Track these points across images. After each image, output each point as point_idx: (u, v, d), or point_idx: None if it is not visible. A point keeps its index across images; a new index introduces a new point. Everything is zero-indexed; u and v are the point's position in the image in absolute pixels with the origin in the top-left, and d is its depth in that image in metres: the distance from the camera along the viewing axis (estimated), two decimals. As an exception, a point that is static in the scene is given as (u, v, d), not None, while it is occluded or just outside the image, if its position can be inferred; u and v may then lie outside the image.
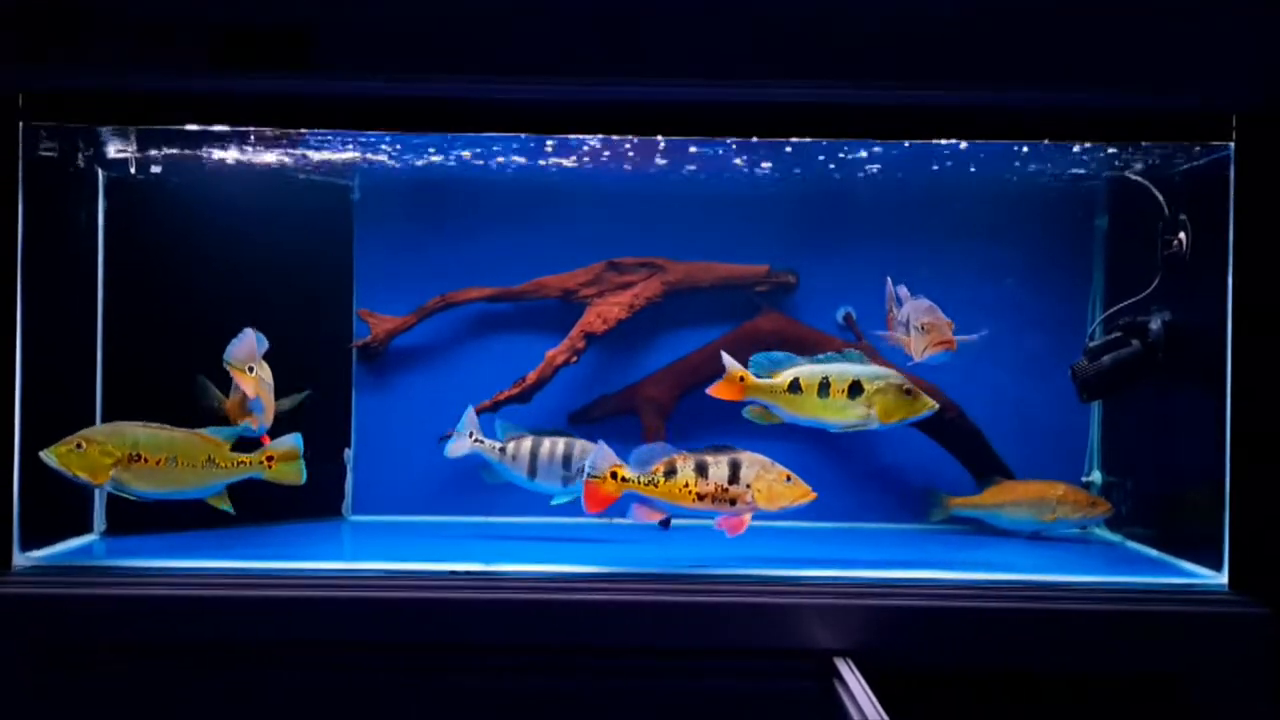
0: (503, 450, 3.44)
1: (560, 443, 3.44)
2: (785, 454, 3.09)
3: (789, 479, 3.01)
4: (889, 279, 3.45)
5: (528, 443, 3.44)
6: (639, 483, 3.01)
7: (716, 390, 3.15)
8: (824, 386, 3.07)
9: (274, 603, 2.82)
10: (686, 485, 3.00)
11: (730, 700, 2.84)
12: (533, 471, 3.43)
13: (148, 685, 2.83)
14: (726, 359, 3.14)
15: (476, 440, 3.45)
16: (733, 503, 2.99)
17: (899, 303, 3.37)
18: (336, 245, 3.90)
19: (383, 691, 2.84)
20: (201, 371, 3.27)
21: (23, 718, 2.82)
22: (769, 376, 3.11)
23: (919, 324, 3.21)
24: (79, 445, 3.01)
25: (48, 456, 2.98)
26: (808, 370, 3.09)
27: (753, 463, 3.02)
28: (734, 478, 2.99)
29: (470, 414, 3.48)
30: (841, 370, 3.08)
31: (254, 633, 2.82)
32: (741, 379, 3.13)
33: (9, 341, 2.93)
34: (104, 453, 3.03)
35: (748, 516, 3.01)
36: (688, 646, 2.83)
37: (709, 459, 3.02)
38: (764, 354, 3.14)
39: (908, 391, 3.06)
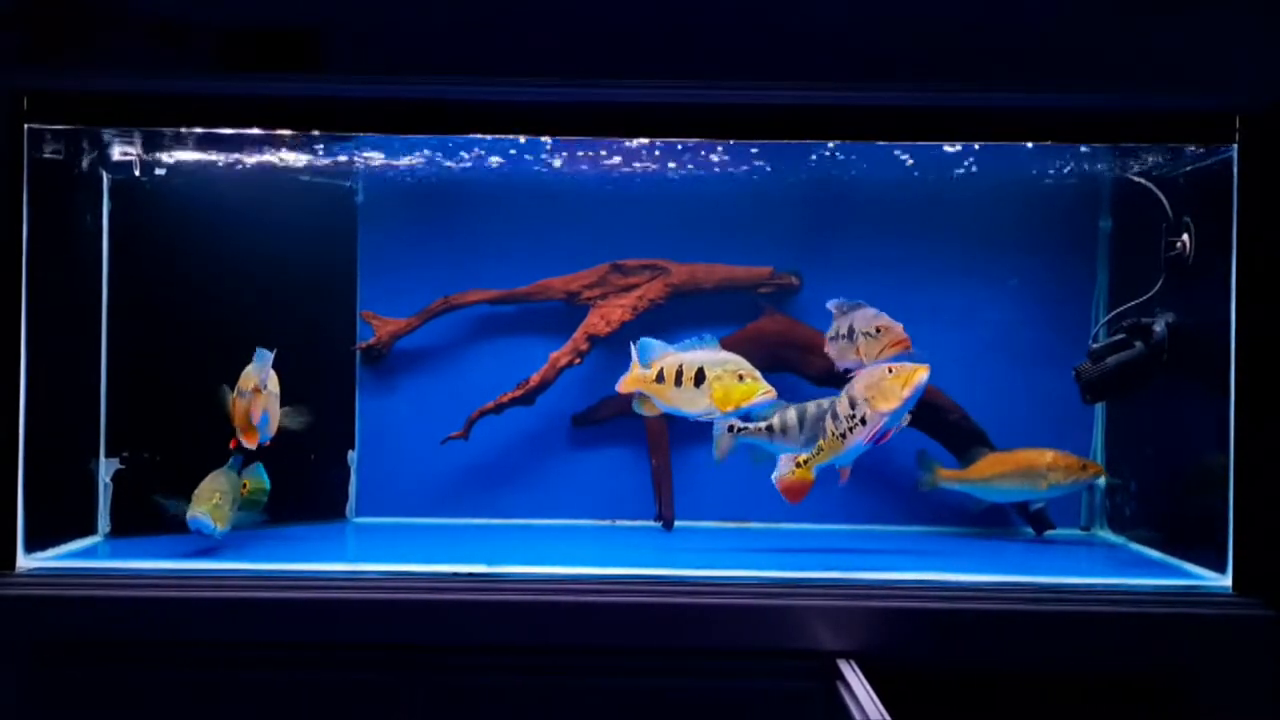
0: (770, 429, 3.29)
1: (825, 402, 3.23)
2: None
3: (742, 378, 2.99)
4: (828, 303, 3.40)
5: (792, 412, 3.27)
6: (816, 457, 3.05)
7: (621, 385, 3.15)
8: (679, 375, 3.05)
9: (277, 604, 2.83)
10: (835, 434, 3.01)
11: (732, 701, 2.84)
12: (809, 439, 3.24)
13: (151, 686, 2.84)
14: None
15: (740, 429, 3.28)
16: (863, 421, 2.95)
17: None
18: (340, 247, 3.90)
19: (385, 692, 2.84)
20: (204, 371, 3.31)
21: (26, 718, 2.82)
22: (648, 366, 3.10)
23: (870, 329, 3.17)
24: (219, 499, 3.17)
25: (202, 517, 3.11)
26: (670, 359, 3.07)
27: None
28: (853, 405, 2.96)
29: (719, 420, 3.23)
30: (692, 358, 3.05)
31: (257, 634, 2.83)
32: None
33: (14, 343, 2.94)
34: (228, 501, 3.21)
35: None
36: (690, 647, 2.83)
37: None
38: (648, 339, 3.11)
39: (741, 377, 3.02)
